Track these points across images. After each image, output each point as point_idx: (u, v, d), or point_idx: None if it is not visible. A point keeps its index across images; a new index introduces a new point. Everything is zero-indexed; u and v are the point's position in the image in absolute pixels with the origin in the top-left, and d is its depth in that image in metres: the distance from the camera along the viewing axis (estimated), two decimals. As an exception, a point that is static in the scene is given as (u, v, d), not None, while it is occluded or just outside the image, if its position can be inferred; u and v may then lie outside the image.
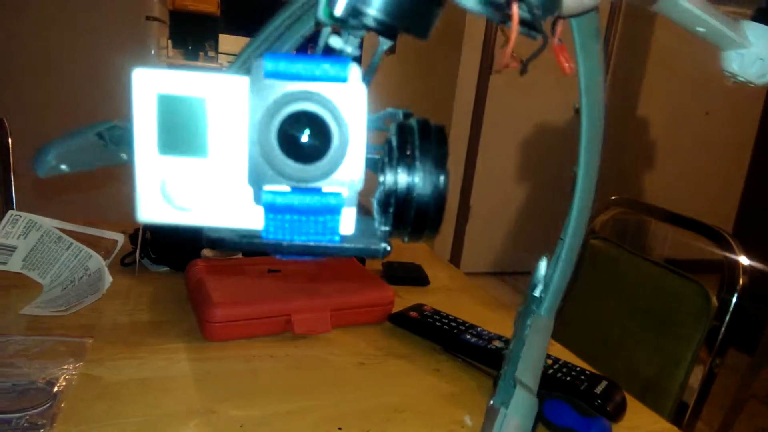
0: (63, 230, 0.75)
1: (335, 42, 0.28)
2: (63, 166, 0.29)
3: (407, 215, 0.24)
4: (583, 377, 0.62)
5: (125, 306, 0.72)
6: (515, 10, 0.26)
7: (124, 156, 0.33)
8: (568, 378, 0.62)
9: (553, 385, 0.61)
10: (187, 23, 5.25)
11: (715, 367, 0.89)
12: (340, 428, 0.53)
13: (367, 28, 0.27)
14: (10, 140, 1.31)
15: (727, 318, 0.88)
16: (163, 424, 0.51)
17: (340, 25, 0.27)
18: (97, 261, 0.73)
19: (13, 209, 0.73)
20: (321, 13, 0.27)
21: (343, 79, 0.23)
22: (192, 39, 5.40)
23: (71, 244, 0.74)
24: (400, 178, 0.24)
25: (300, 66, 0.23)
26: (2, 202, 1.29)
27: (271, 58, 0.23)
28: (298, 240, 0.24)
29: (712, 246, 0.97)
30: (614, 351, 0.99)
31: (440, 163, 0.24)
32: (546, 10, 0.27)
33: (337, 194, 0.23)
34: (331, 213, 0.23)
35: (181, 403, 0.54)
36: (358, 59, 0.27)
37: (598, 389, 0.60)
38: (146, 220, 0.24)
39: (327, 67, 0.23)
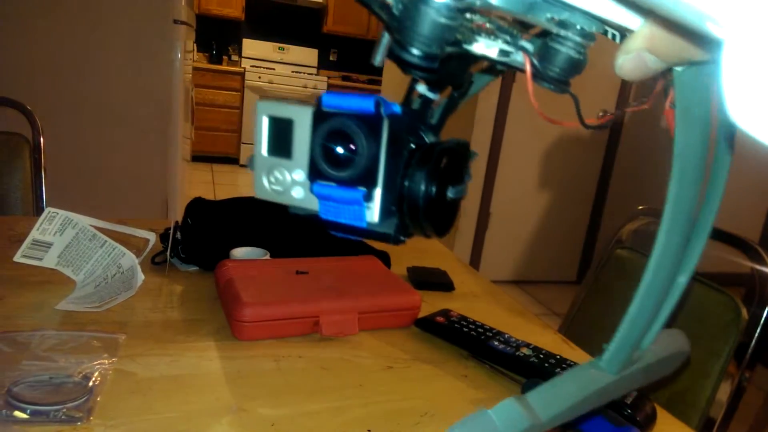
0: (97, 228, 0.76)
1: (420, 88, 0.36)
2: None
3: (402, 207, 0.33)
4: (612, 387, 0.61)
5: (156, 304, 0.74)
6: (528, 69, 0.31)
7: None
8: (598, 387, 0.61)
9: (583, 393, 0.60)
10: (211, 27, 5.32)
11: (744, 381, 0.87)
12: (369, 430, 0.53)
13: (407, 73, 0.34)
14: (42, 139, 1.34)
15: (758, 332, 0.87)
16: (196, 421, 0.52)
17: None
18: (129, 259, 0.74)
19: (43, 207, 0.75)
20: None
21: (369, 111, 0.31)
22: (216, 43, 5.47)
23: (105, 241, 0.75)
24: (403, 181, 0.33)
25: (344, 100, 0.32)
26: (33, 200, 1.32)
27: (327, 95, 0.32)
28: (341, 221, 0.33)
29: (741, 257, 0.95)
30: (641, 362, 0.98)
31: (432, 172, 0.32)
32: (564, 71, 0.31)
33: (360, 191, 0.32)
34: (357, 204, 0.32)
35: (212, 401, 0.55)
36: (430, 101, 0.36)
37: (628, 399, 0.59)
38: (259, 196, 0.35)
39: (359, 102, 0.31)
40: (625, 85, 2.98)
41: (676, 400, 0.90)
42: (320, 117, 0.32)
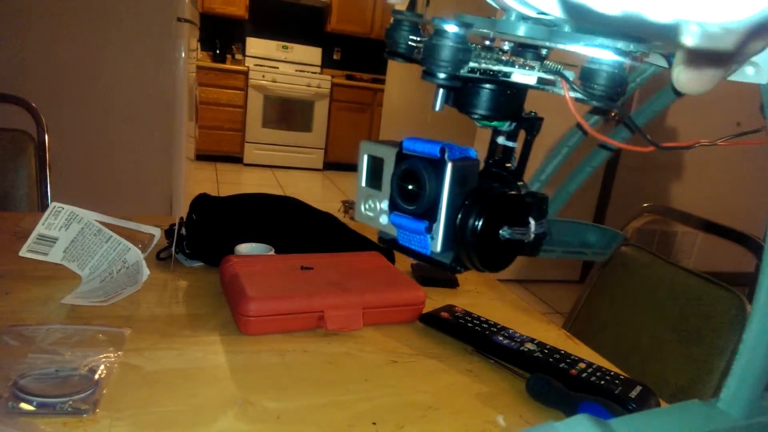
0: (102, 223, 0.76)
1: (500, 139, 0.44)
2: None
3: (453, 240, 0.38)
4: (617, 381, 0.61)
5: (162, 298, 0.74)
6: (567, 93, 0.35)
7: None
8: (603, 382, 0.61)
9: (588, 388, 0.60)
10: (215, 26, 5.33)
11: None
12: (374, 423, 0.53)
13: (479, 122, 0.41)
14: (46, 136, 1.34)
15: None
16: (203, 413, 0.52)
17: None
18: (135, 254, 0.74)
19: (48, 204, 0.75)
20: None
21: (435, 156, 0.37)
22: (220, 41, 5.47)
23: (110, 236, 0.75)
24: (458, 216, 0.37)
25: (418, 145, 0.38)
26: (38, 196, 1.32)
27: (408, 140, 0.38)
28: (412, 247, 0.39)
29: (746, 254, 0.95)
30: (645, 358, 0.98)
31: (481, 210, 0.37)
32: (606, 87, 0.34)
33: (423, 223, 0.37)
34: (422, 234, 0.38)
35: (218, 394, 0.55)
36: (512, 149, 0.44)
37: (633, 394, 0.59)
38: (357, 220, 0.42)
39: (429, 147, 0.37)
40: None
41: (679, 396, 0.90)
42: (400, 158, 0.39)
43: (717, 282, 0.92)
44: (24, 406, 0.49)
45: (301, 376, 0.60)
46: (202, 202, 0.90)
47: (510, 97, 0.40)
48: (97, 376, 0.54)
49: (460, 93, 0.39)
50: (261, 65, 5.36)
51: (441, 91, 0.36)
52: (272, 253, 0.86)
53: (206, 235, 0.86)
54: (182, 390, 0.55)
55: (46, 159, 1.34)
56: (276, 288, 0.72)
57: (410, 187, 0.37)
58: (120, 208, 2.33)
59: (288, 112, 5.38)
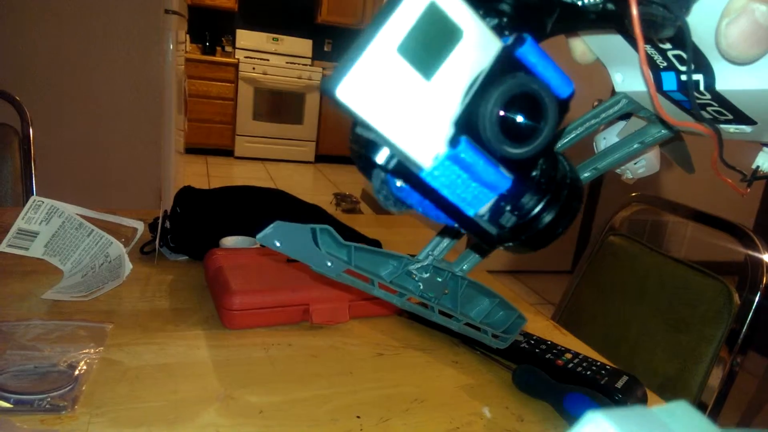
0: (84, 217, 0.75)
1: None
2: (277, 243, 0.36)
3: (525, 226, 0.28)
4: (603, 372, 0.61)
5: (145, 293, 0.73)
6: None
7: (329, 264, 0.40)
8: (589, 372, 0.61)
9: (574, 379, 0.60)
10: (204, 18, 5.29)
11: (735, 366, 0.87)
12: (358, 416, 0.53)
13: None
14: (31, 130, 1.33)
15: (750, 317, 0.86)
16: (183, 409, 0.51)
17: None
18: (117, 248, 0.73)
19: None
20: None
21: (562, 94, 0.24)
22: (210, 34, 5.43)
23: (92, 230, 0.74)
24: (533, 201, 0.27)
25: (544, 63, 0.24)
26: (23, 191, 1.31)
27: (528, 43, 0.23)
28: (444, 193, 0.24)
29: (735, 244, 0.95)
30: (633, 348, 0.98)
31: (569, 212, 0.28)
32: None
33: (509, 181, 0.25)
34: (491, 189, 0.25)
35: (200, 389, 0.54)
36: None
37: (619, 384, 0.59)
38: (339, 97, 0.21)
39: (558, 76, 0.24)
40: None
41: (667, 386, 0.90)
42: (507, 62, 0.23)
43: (705, 271, 0.92)
44: (1, 403, 0.48)
45: (285, 370, 0.60)
46: (186, 194, 0.89)
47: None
48: (76, 373, 0.54)
49: None
50: (251, 57, 5.32)
51: None
52: (257, 246, 0.85)
53: (191, 228, 0.85)
54: (163, 385, 0.54)
55: (31, 153, 1.32)
56: (260, 281, 0.71)
57: (520, 119, 0.23)
58: (108, 202, 2.31)
59: (279, 105, 5.35)
